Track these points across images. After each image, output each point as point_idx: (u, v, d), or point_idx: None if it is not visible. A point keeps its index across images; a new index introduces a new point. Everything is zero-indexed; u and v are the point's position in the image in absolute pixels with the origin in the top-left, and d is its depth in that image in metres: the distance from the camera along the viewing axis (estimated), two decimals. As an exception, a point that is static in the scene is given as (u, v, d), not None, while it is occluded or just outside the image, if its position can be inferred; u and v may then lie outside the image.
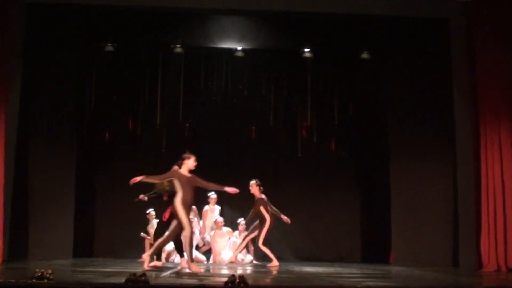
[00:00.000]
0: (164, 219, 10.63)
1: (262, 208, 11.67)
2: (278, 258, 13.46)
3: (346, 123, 13.96)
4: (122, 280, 6.31)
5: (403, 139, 12.51)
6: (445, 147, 11.85)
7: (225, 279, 6.36)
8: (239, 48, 12.64)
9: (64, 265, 9.70)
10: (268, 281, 8.02)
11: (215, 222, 12.77)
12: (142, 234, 12.47)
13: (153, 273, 8.39)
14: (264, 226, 11.62)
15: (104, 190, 13.92)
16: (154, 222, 12.47)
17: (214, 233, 12.67)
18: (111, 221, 13.77)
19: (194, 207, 12.89)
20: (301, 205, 14.13)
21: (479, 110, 11.01)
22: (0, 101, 10.66)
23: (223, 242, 12.59)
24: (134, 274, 6.31)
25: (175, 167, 9.84)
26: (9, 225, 10.75)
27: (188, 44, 12.59)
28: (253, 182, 11.68)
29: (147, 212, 12.61)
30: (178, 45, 12.57)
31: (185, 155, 9.70)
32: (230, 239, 12.60)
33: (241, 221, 12.74)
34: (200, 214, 12.97)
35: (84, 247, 13.13)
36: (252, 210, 11.77)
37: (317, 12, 11.57)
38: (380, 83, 13.34)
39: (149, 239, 12.52)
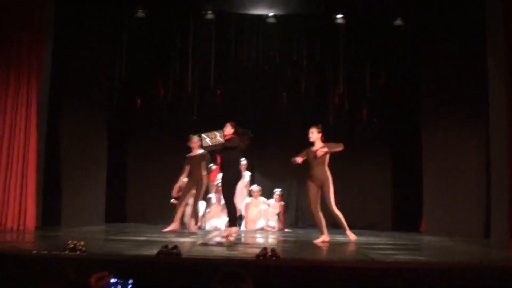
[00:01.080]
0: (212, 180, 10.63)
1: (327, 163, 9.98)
2: (309, 225, 13.55)
3: (378, 91, 13.76)
4: (154, 251, 6.33)
5: (435, 107, 12.35)
6: (479, 118, 11.66)
7: (257, 250, 6.36)
8: (271, 14, 12.53)
9: (96, 233, 9.81)
10: (298, 253, 8.02)
11: (252, 190, 12.77)
12: (172, 200, 12.54)
13: (185, 243, 8.43)
14: (330, 185, 9.85)
15: (136, 157, 14.01)
16: None
17: (250, 201, 12.70)
18: (143, 187, 13.89)
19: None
20: (332, 173, 14.03)
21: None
22: (32, 66, 10.74)
23: (256, 210, 12.63)
24: (166, 246, 6.32)
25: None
26: (42, 191, 10.89)
27: (219, 10, 12.52)
28: (313, 128, 10.17)
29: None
30: (209, 11, 12.49)
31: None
32: (261, 207, 12.62)
33: (277, 191, 12.73)
34: None
35: (117, 213, 13.26)
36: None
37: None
38: (413, 51, 13.10)
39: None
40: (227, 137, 9.64)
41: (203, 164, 11.00)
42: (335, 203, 9.79)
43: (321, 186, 9.71)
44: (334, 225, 13.32)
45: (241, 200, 12.86)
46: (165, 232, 10.53)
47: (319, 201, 9.76)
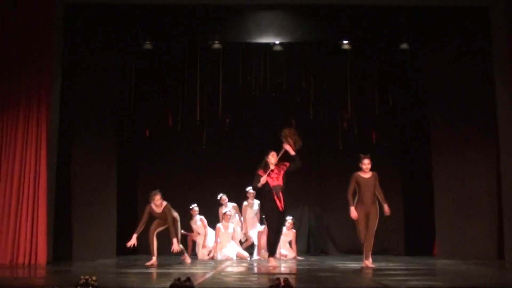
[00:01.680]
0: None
1: None
2: (321, 252, 13.50)
3: (386, 114, 13.81)
4: (167, 284, 6.29)
5: (445, 129, 12.35)
6: (488, 137, 11.68)
7: (270, 281, 6.33)
8: (277, 42, 12.60)
9: (108, 266, 9.77)
10: (311, 282, 7.97)
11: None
12: (182, 231, 12.49)
13: (197, 274, 8.39)
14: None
15: (146, 187, 13.97)
16: (197, 218, 12.54)
17: (263, 229, 12.64)
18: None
19: (234, 204, 12.92)
20: (343, 198, 14.00)
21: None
22: (41, 101, 10.83)
23: None
24: (179, 278, 6.29)
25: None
26: (53, 226, 10.89)
27: (226, 39, 12.59)
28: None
29: (191, 207, 12.63)
30: (216, 41, 12.56)
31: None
32: None
33: (289, 218, 12.67)
34: (240, 211, 12.97)
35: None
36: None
37: (354, 4, 11.49)
38: (420, 73, 13.16)
39: (191, 235, 12.58)
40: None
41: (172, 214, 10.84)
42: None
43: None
44: (348, 251, 13.36)
45: (252, 228, 12.84)
46: (148, 265, 10.22)
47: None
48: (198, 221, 12.60)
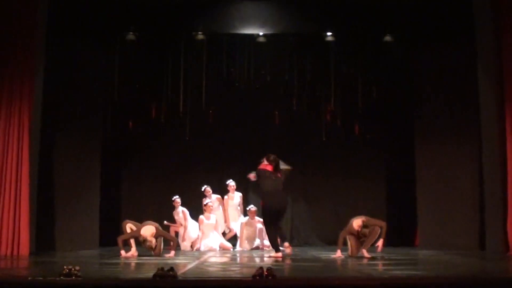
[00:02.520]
0: None
1: None
2: (304, 244, 13.57)
3: (370, 107, 13.84)
4: (150, 273, 6.30)
5: (428, 122, 12.45)
6: (470, 129, 11.75)
7: (253, 270, 6.35)
8: (261, 33, 12.59)
9: (91, 257, 9.76)
10: (294, 272, 8.00)
11: (248, 210, 12.72)
12: (165, 222, 12.48)
13: (180, 265, 8.40)
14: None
15: (129, 179, 13.98)
16: (179, 209, 12.53)
17: (247, 220, 12.65)
18: (136, 210, 13.82)
19: (218, 196, 12.93)
20: (326, 189, 14.13)
21: (504, 92, 10.84)
22: (24, 92, 10.73)
23: (252, 230, 12.58)
24: (162, 268, 6.29)
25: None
26: (35, 217, 10.84)
27: (210, 31, 12.57)
28: None
29: (173, 199, 12.63)
30: (200, 32, 12.52)
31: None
32: (257, 226, 12.57)
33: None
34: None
35: (110, 236, 13.16)
36: None
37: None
38: (404, 66, 13.23)
39: (174, 226, 12.58)
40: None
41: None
42: None
43: None
44: (331, 242, 13.42)
45: (234, 220, 12.86)
46: (123, 257, 9.99)
47: None
48: (180, 213, 12.60)
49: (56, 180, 11.69)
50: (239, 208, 13.00)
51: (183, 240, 12.53)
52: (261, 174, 10.07)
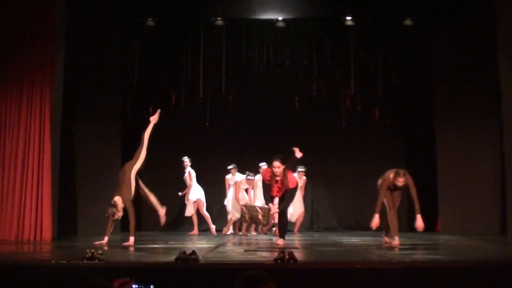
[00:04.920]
0: None
1: None
2: (324, 229, 13.59)
3: (390, 91, 13.76)
4: (172, 257, 6.34)
5: (448, 106, 12.34)
6: (491, 114, 11.64)
7: (274, 254, 6.38)
8: (280, 18, 12.52)
9: (113, 242, 9.80)
10: (315, 256, 8.02)
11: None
12: (180, 193, 12.66)
13: (202, 249, 8.44)
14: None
15: (149, 164, 13.98)
16: (187, 169, 12.92)
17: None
18: (158, 195, 13.87)
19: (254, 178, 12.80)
20: (346, 175, 14.11)
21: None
22: (45, 78, 10.78)
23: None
24: (184, 252, 6.33)
25: None
26: (57, 202, 10.93)
27: (229, 16, 12.53)
28: None
29: (182, 159, 12.95)
30: (219, 18, 12.49)
31: None
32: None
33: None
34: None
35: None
36: None
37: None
38: (424, 50, 13.10)
39: (184, 192, 12.97)
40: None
41: None
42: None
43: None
44: (351, 228, 13.42)
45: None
46: (125, 245, 9.46)
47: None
48: (187, 173, 12.76)
49: (77, 166, 11.78)
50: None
51: (186, 200, 12.91)
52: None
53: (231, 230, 12.90)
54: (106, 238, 9.67)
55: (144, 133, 10.26)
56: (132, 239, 9.43)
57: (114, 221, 9.82)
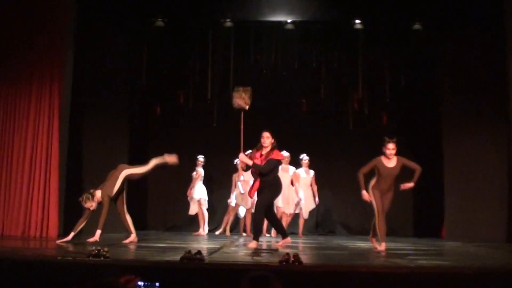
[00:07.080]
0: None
1: None
2: (329, 232, 13.58)
3: (398, 96, 13.76)
4: (177, 257, 6.36)
5: (456, 111, 12.33)
6: (499, 119, 11.61)
7: (279, 256, 6.39)
8: (289, 20, 12.54)
9: (119, 240, 9.83)
10: (320, 259, 8.02)
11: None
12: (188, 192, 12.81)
13: (208, 249, 8.45)
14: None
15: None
16: (198, 168, 13.01)
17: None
18: (163, 195, 13.95)
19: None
20: (352, 179, 14.02)
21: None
22: (54, 76, 10.86)
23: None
24: (189, 251, 6.35)
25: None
26: (64, 200, 10.96)
27: (237, 18, 12.54)
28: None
29: (197, 158, 13.05)
30: (227, 20, 12.51)
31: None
32: None
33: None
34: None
35: (137, 220, 13.27)
36: None
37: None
38: (432, 54, 13.12)
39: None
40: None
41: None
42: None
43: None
44: (356, 232, 13.41)
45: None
46: (124, 243, 9.64)
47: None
48: (196, 171, 12.96)
49: (85, 164, 11.84)
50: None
51: (190, 198, 12.98)
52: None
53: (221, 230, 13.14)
54: (72, 234, 9.58)
55: (153, 159, 10.25)
56: (98, 232, 9.53)
57: (87, 217, 9.76)
